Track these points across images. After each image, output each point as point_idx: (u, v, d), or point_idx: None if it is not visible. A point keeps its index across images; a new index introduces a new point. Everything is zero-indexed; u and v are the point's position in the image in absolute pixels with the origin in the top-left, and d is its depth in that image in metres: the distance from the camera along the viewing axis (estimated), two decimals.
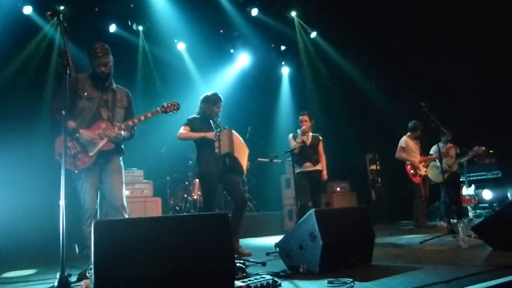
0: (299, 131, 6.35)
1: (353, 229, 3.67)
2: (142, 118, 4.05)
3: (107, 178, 3.95)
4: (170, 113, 4.32)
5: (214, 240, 2.27)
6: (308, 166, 6.24)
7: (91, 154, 3.80)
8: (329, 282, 2.86)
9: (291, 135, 6.45)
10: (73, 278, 3.22)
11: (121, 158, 4.12)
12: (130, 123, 4.00)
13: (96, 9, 8.27)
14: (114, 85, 4.14)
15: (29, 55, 7.52)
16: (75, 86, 3.50)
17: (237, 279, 2.87)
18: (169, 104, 4.27)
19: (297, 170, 6.21)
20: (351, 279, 2.84)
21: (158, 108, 4.20)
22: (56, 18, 3.31)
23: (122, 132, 3.98)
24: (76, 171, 3.73)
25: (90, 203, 3.81)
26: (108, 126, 3.91)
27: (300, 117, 6.43)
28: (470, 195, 9.01)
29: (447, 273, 2.93)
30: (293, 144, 6.23)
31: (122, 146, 4.15)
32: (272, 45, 10.96)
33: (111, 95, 4.07)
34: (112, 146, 3.94)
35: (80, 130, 3.78)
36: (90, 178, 3.84)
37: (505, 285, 2.52)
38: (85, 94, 3.91)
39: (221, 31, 10.07)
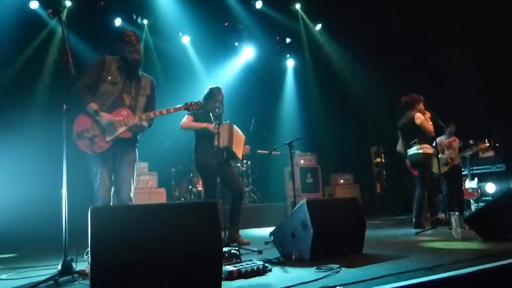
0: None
1: (344, 219, 3.80)
2: (164, 112, 3.99)
3: (119, 170, 3.91)
4: (191, 111, 4.41)
5: (203, 227, 2.42)
6: None
7: (108, 139, 3.77)
8: (316, 268, 3.00)
9: (420, 114, 6.19)
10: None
11: (136, 150, 4.08)
12: (152, 115, 3.95)
13: (102, 3, 8.40)
14: (140, 73, 4.12)
15: (35, 50, 7.68)
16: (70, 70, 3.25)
17: (230, 264, 3.03)
18: (192, 103, 4.25)
19: (430, 151, 6.13)
20: (337, 265, 2.98)
21: (181, 106, 4.16)
22: (57, 16, 3.42)
23: (143, 122, 3.94)
24: (92, 155, 3.73)
25: (104, 191, 3.77)
26: (129, 114, 3.87)
27: (421, 100, 6.27)
28: (473, 188, 9.04)
29: (431, 261, 3.06)
30: (428, 127, 6.06)
31: (138, 137, 4.12)
32: (277, 38, 11.03)
33: (136, 82, 4.04)
34: (129, 135, 3.89)
35: (102, 114, 3.74)
36: (105, 165, 3.81)
37: (484, 272, 2.64)
38: (109, 78, 3.87)
39: (226, 24, 10.16)
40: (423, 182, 6.13)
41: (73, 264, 3.18)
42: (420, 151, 6.12)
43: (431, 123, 6.18)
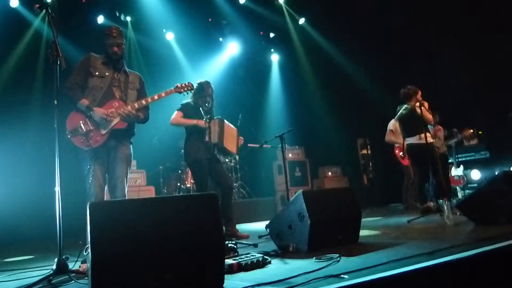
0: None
1: (340, 209, 3.80)
2: (156, 97, 3.99)
3: (114, 167, 3.90)
4: (184, 93, 4.36)
5: (204, 219, 2.38)
6: None
7: (103, 132, 3.76)
8: (316, 258, 2.99)
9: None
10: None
11: (131, 146, 4.08)
12: (144, 101, 3.94)
13: (84, 0, 8.25)
14: (126, 68, 4.12)
15: (18, 48, 7.52)
16: (62, 65, 3.21)
17: (229, 258, 3.00)
18: (183, 85, 4.25)
19: (431, 140, 6.37)
20: (337, 255, 2.97)
21: (172, 88, 4.18)
22: (44, 10, 3.36)
23: (135, 111, 3.92)
24: (86, 150, 3.70)
25: (97, 188, 3.74)
26: (121, 105, 3.87)
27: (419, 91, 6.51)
28: (459, 176, 9.16)
29: (429, 246, 3.07)
30: (429, 116, 6.28)
31: (135, 130, 4.12)
32: (261, 33, 10.99)
33: (123, 76, 4.04)
34: (125, 125, 3.89)
35: (94, 108, 3.75)
36: (98, 162, 3.78)
37: (483, 255, 2.66)
38: (96, 73, 3.89)
39: (210, 19, 10.07)
40: (433, 170, 6.27)
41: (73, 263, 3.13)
42: (422, 141, 6.25)
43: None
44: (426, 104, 6.35)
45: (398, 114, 6.68)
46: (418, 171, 6.56)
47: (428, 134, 6.26)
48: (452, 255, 2.58)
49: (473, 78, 9.24)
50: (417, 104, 6.31)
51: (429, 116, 6.30)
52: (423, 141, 6.18)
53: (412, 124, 6.44)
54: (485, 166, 9.68)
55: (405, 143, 6.59)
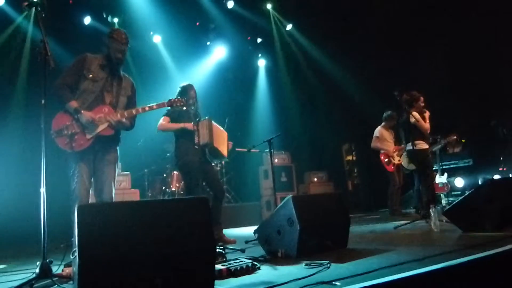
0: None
1: (329, 214, 3.80)
2: (147, 108, 3.90)
3: (101, 169, 3.81)
4: (175, 107, 4.32)
5: (194, 223, 2.33)
6: None
7: (88, 136, 3.66)
8: (306, 264, 2.97)
9: (415, 113, 6.56)
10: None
11: (117, 149, 3.99)
12: (134, 112, 3.85)
13: (71, 1, 8.14)
14: (122, 73, 4.03)
15: (1, 48, 7.38)
16: (50, 64, 3.14)
17: (217, 263, 2.95)
18: (175, 100, 4.21)
19: (425, 147, 6.58)
20: (327, 261, 2.95)
21: (165, 102, 4.10)
22: (33, 8, 3.28)
23: (124, 119, 3.82)
24: (70, 153, 3.60)
25: (82, 191, 3.64)
26: (110, 111, 3.78)
27: (422, 98, 6.68)
28: (443, 183, 9.24)
29: (419, 253, 3.07)
30: (424, 125, 6.47)
31: (120, 136, 4.03)
32: (248, 38, 10.99)
33: (117, 81, 3.94)
34: (111, 132, 3.79)
35: (82, 111, 3.65)
36: (84, 164, 3.68)
37: (472, 263, 2.67)
38: (90, 76, 3.78)
39: (197, 23, 10.04)
40: (421, 177, 6.60)
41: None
42: (415, 147, 6.36)
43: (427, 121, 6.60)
44: (427, 113, 6.56)
45: (399, 121, 6.95)
46: (417, 177, 6.82)
47: (421, 142, 6.45)
48: (443, 262, 2.58)
49: (456, 86, 9.35)
50: (413, 113, 6.45)
51: (424, 125, 6.48)
52: (422, 148, 6.41)
53: (408, 132, 6.64)
54: (468, 173, 9.80)
55: (406, 149, 6.91)
